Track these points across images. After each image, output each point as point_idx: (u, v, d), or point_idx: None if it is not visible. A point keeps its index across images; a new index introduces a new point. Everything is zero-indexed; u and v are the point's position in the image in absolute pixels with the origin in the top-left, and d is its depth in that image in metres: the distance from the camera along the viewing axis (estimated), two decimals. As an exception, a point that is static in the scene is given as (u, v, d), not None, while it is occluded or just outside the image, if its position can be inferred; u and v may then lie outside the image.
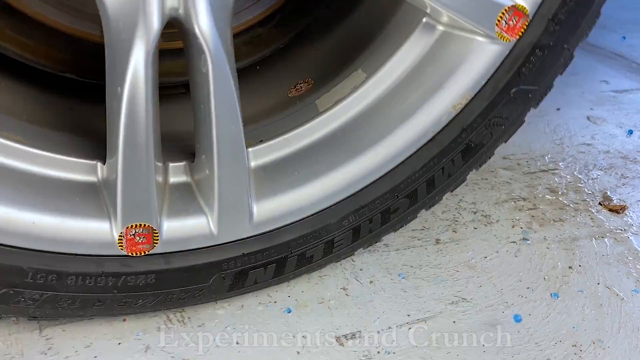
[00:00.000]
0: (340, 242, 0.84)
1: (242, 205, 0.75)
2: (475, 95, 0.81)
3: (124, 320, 0.79)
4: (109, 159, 0.69)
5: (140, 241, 0.71)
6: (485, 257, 0.98)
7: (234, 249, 0.78)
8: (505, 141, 0.88)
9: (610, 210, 1.11)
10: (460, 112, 0.82)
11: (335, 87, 0.83)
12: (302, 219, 0.80)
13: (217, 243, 0.76)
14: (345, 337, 0.80)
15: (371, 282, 0.90)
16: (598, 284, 0.94)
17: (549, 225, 1.07)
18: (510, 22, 0.77)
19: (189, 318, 0.80)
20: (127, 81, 0.64)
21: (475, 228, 1.05)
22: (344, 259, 0.91)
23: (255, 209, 0.77)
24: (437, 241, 1.01)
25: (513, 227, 1.06)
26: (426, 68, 0.80)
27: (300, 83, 0.89)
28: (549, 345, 0.81)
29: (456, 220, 1.07)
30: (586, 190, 1.18)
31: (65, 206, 0.69)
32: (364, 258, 0.95)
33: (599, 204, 1.13)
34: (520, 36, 0.78)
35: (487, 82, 0.81)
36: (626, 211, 1.11)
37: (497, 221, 1.07)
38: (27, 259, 0.68)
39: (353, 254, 0.92)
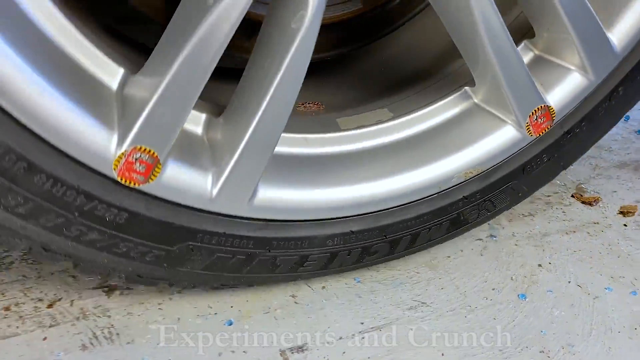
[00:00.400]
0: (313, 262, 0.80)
1: (252, 180, 0.69)
2: (485, 171, 0.84)
3: (44, 339, 0.71)
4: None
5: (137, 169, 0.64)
6: (449, 257, 0.91)
7: (221, 224, 0.71)
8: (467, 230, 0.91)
9: (583, 202, 1.05)
10: (467, 180, 0.83)
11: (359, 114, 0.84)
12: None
13: (208, 209, 0.70)
14: (291, 350, 0.73)
15: (324, 287, 0.83)
16: (569, 282, 0.87)
17: (518, 220, 1.00)
18: (539, 120, 0.81)
19: (118, 334, 0.73)
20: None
21: (439, 225, 0.98)
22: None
23: (260, 192, 0.71)
24: (398, 241, 0.94)
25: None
26: (453, 129, 0.82)
27: (309, 104, 0.88)
28: (514, 353, 0.74)
29: (419, 218, 1.00)
30: (558, 181, 1.11)
31: None
32: (317, 261, 0.88)
33: (572, 196, 1.07)
34: (539, 135, 0.83)
35: (498, 164, 0.84)
36: (600, 203, 1.05)
37: (463, 217, 1.00)
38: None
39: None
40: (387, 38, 1.02)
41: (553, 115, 0.82)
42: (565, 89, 0.82)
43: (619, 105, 0.91)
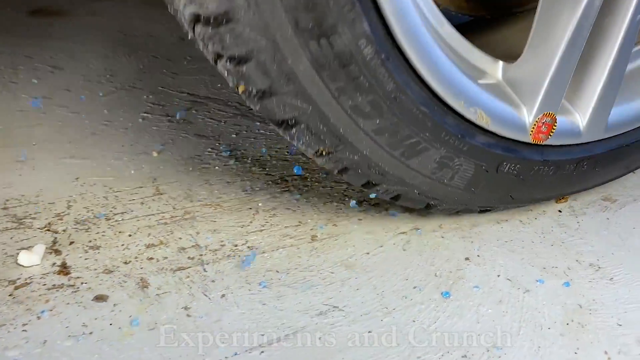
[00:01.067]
0: None
1: (606, 109, 0.86)
2: None
3: None
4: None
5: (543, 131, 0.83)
6: (368, 254, 0.82)
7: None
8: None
9: (515, 188, 0.98)
10: None
11: None
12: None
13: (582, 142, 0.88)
14: (176, 372, 0.62)
15: (223, 296, 0.73)
16: (498, 276, 0.79)
17: (445, 213, 0.92)
18: None
19: (-34, 365, 0.61)
20: None
21: (360, 220, 0.89)
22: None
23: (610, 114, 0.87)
24: (313, 238, 0.85)
25: (404, 215, 0.90)
26: None
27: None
28: (434, 359, 0.66)
29: (339, 212, 0.91)
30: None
31: None
32: (219, 266, 0.78)
33: (504, 182, 1.00)
34: None
35: None
36: (533, 188, 0.98)
37: (387, 210, 0.92)
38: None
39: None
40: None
41: None
42: None
43: None
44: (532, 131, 0.81)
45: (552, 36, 0.77)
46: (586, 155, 0.89)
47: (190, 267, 0.77)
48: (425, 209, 0.86)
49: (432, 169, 0.78)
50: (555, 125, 0.82)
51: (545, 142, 0.83)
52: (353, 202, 0.91)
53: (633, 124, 0.91)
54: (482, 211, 0.90)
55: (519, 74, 0.79)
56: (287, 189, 0.95)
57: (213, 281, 0.75)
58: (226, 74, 0.69)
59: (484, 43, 0.82)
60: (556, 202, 0.95)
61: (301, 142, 0.74)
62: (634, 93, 0.91)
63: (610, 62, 0.82)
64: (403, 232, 0.87)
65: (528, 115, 0.80)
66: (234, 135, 1.09)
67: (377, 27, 0.66)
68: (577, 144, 0.87)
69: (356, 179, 0.80)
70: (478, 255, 0.83)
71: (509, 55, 0.80)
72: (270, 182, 0.97)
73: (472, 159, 0.79)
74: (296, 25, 0.63)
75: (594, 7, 0.75)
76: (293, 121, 0.71)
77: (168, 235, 0.83)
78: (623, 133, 0.91)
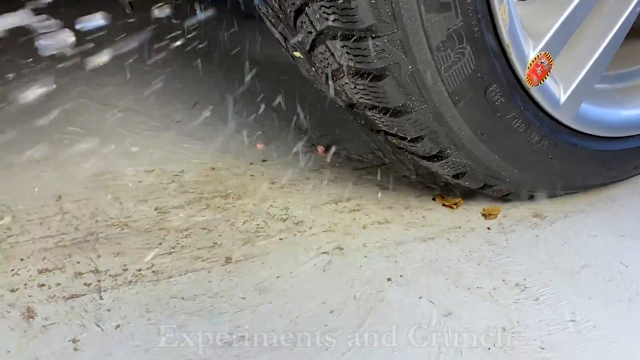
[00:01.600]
0: None
1: (581, 97, 0.87)
2: None
3: None
4: None
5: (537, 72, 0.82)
6: (285, 276, 0.77)
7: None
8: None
9: (444, 205, 0.94)
10: None
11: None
12: None
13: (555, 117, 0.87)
14: (52, 416, 0.55)
15: (118, 326, 0.66)
16: (420, 298, 0.75)
17: (372, 228, 0.87)
18: None
19: None
20: None
21: (281, 239, 0.84)
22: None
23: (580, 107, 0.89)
24: (227, 260, 0.79)
25: (328, 234, 0.86)
26: None
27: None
28: (344, 392, 0.61)
29: (259, 231, 0.85)
30: (421, 184, 1.00)
31: None
32: (117, 293, 0.71)
33: (433, 199, 0.96)
34: None
35: None
36: (462, 206, 0.95)
37: (310, 228, 0.87)
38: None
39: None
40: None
41: None
42: None
43: None
44: (529, 66, 0.79)
45: None
46: (552, 134, 0.87)
47: (85, 294, 0.70)
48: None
49: None
50: (547, 75, 0.82)
51: (533, 86, 0.81)
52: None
53: (592, 128, 0.91)
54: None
55: (531, 10, 0.81)
56: (205, 208, 0.89)
57: (109, 310, 0.68)
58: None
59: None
60: (485, 218, 0.92)
61: None
62: (604, 100, 0.93)
63: (601, 47, 0.85)
64: (325, 252, 0.82)
65: (533, 50, 0.79)
66: (152, 150, 1.03)
67: None
68: (552, 117, 0.86)
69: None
70: (401, 276, 0.78)
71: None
72: (188, 201, 0.91)
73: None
74: None
75: None
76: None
77: (65, 259, 0.76)
78: (582, 132, 0.91)
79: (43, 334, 0.64)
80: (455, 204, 0.93)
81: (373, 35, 0.68)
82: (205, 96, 1.27)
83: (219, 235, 0.83)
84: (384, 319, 0.71)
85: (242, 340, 0.66)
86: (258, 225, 0.86)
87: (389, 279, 0.77)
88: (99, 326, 0.66)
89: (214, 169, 1.00)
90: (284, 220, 0.88)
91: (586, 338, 0.70)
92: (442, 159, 0.82)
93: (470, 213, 0.93)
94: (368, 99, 0.75)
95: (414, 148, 0.81)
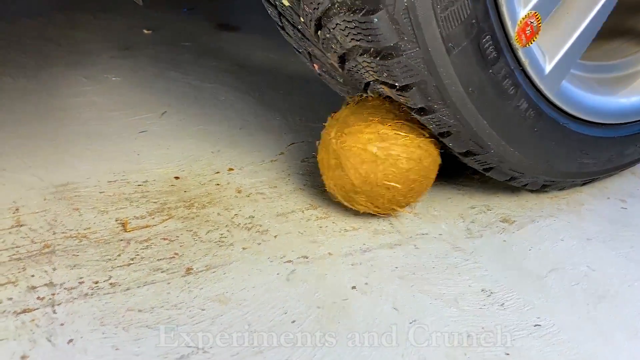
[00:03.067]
0: None
1: (564, 71, 0.88)
2: None
3: None
4: None
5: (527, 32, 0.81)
6: (246, 287, 0.75)
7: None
8: None
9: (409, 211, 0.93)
10: None
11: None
12: None
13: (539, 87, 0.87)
14: None
15: (71, 341, 0.64)
16: (385, 306, 0.74)
17: (338, 236, 0.86)
18: None
19: None
20: None
21: (244, 248, 0.82)
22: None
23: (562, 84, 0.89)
24: (188, 271, 0.77)
25: (294, 242, 0.84)
26: None
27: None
28: (302, 404, 0.59)
29: (222, 241, 0.83)
30: (391, 190, 0.99)
31: None
32: (72, 307, 0.68)
33: (401, 204, 0.95)
34: None
35: None
36: (432, 211, 0.94)
37: (276, 237, 0.85)
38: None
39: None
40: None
41: None
42: None
43: None
44: (519, 24, 0.78)
45: None
46: (537, 105, 0.86)
47: (37, 308, 0.68)
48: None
49: None
50: (536, 37, 0.81)
51: (522, 47, 0.80)
52: None
53: (572, 108, 0.91)
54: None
55: None
56: (168, 218, 0.87)
57: (62, 324, 0.66)
58: None
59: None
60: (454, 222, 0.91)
61: None
62: (585, 86, 0.93)
63: (585, 22, 0.86)
64: (289, 261, 0.80)
65: (524, 7, 0.78)
66: (116, 160, 1.01)
67: None
68: (536, 87, 0.85)
69: None
70: (366, 284, 0.77)
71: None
72: (150, 211, 0.89)
73: None
74: None
75: None
76: None
77: (19, 272, 0.73)
78: (563, 110, 0.90)
79: (-10, 351, 0.61)
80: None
81: None
82: (174, 105, 1.26)
83: (181, 246, 0.81)
84: (348, 328, 0.69)
85: (199, 352, 0.64)
86: (222, 234, 0.85)
87: (353, 287, 0.76)
88: (50, 341, 0.63)
89: (178, 178, 0.98)
90: (249, 229, 0.86)
91: (550, 342, 0.69)
92: (429, 114, 0.79)
93: (437, 219, 0.92)
94: (359, 40, 0.72)
95: (402, 98, 0.79)
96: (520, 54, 0.80)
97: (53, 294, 0.70)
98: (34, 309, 0.68)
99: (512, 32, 0.78)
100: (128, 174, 0.97)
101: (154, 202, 0.91)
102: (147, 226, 0.84)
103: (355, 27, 0.71)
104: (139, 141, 1.09)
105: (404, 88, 0.76)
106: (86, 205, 0.88)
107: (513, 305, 0.75)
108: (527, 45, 0.80)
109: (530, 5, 0.78)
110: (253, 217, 0.90)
